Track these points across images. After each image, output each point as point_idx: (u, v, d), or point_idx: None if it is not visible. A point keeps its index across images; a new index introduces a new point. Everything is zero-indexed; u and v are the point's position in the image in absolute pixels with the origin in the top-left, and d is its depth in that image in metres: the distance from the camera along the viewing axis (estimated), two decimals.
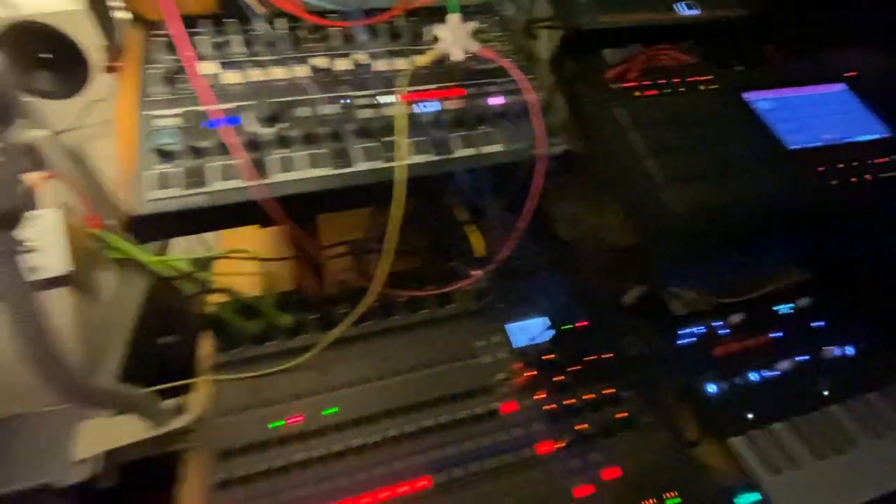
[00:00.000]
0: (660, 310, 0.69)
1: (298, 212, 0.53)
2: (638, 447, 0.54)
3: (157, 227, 0.51)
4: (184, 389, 0.58)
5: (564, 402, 0.56)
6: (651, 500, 0.50)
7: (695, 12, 0.76)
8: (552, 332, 0.62)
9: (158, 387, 0.56)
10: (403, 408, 0.54)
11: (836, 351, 0.64)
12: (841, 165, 0.57)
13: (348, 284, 0.62)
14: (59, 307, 0.60)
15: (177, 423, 0.55)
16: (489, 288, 0.63)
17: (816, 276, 0.71)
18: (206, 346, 0.60)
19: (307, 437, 0.52)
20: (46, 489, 0.52)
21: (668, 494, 0.50)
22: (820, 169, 0.57)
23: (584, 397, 0.57)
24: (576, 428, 0.54)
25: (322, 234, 0.75)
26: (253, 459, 0.50)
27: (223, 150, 0.52)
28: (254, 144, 0.53)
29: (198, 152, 0.52)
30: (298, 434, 0.52)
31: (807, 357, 0.64)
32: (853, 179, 0.57)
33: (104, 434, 0.54)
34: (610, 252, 0.67)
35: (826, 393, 0.62)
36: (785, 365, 0.63)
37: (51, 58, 0.76)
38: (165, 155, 0.51)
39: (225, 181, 0.51)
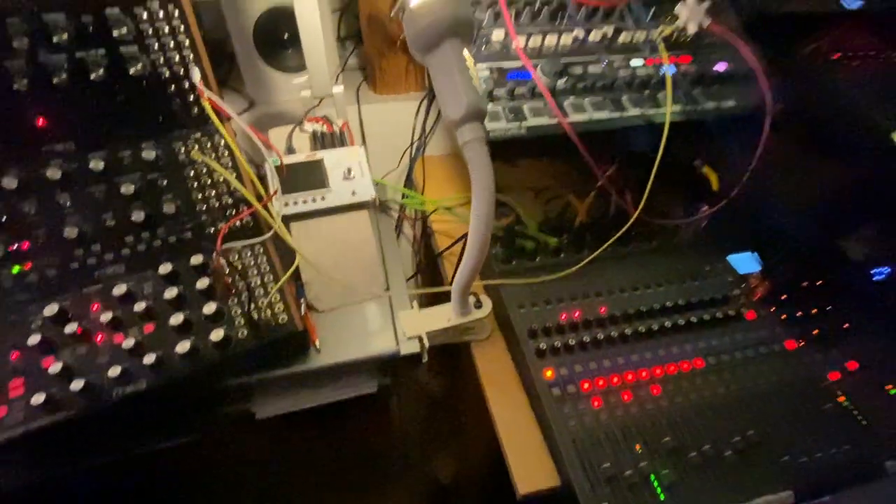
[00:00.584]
0: (843, 256, 0.79)
1: (588, 145, 0.66)
2: (866, 349, 0.64)
3: (492, 153, 0.64)
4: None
5: (797, 314, 0.67)
6: (889, 385, 0.60)
7: (859, 4, 0.88)
8: (771, 264, 0.73)
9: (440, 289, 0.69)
10: (662, 309, 0.66)
11: None
12: None
13: (596, 214, 0.75)
14: (364, 223, 0.74)
15: (478, 314, 0.68)
16: (712, 224, 0.75)
17: None
18: None
19: (591, 326, 0.64)
20: (390, 357, 0.65)
21: None
22: None
23: (811, 311, 0.68)
24: (814, 332, 0.65)
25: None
26: (555, 338, 0.62)
27: (530, 95, 0.66)
28: (551, 91, 0.66)
29: (513, 96, 0.65)
30: (583, 322, 0.64)
31: None
32: None
33: (421, 320, 0.68)
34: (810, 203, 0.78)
35: None
36: None
37: (290, 38, 0.93)
38: (491, 97, 0.65)
39: (536, 118, 0.65)
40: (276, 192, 0.63)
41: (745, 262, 0.74)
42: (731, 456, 0.52)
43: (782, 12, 0.84)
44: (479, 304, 0.69)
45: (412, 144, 1.09)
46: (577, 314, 0.65)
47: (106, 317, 0.53)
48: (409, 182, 1.08)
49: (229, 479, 0.74)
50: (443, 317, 0.67)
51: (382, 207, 0.93)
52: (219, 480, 0.73)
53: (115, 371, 0.50)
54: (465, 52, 0.48)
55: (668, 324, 0.64)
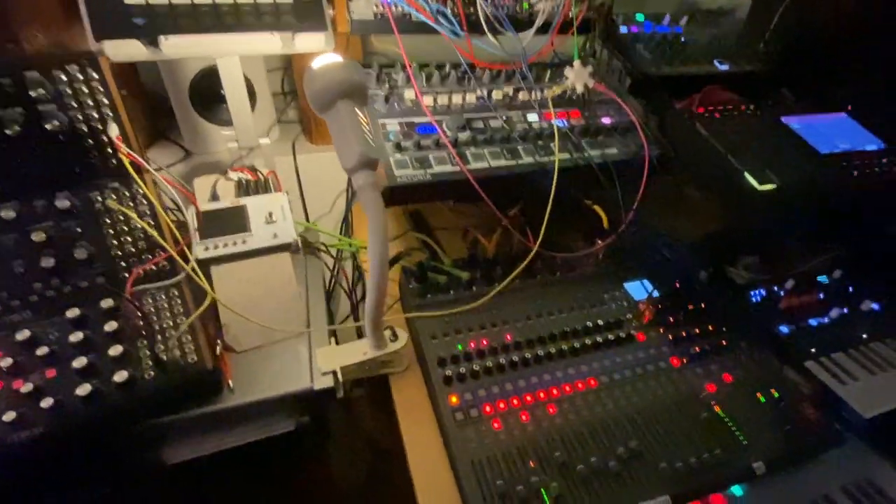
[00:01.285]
0: (728, 281, 0.89)
1: (488, 190, 0.73)
2: (741, 363, 0.72)
3: (399, 196, 0.70)
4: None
5: (682, 334, 0.74)
6: (759, 394, 0.67)
7: (726, 67, 1.04)
8: (661, 290, 0.81)
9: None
10: (563, 333, 0.72)
11: (872, 305, 0.84)
12: (857, 163, 0.81)
13: (505, 250, 0.81)
14: (285, 264, 0.78)
15: (394, 347, 0.71)
16: (610, 256, 0.83)
17: (845, 252, 0.92)
18: None
19: (497, 352, 0.69)
20: (305, 393, 0.67)
21: (772, 391, 0.68)
22: (844, 164, 0.80)
23: (694, 331, 0.75)
24: (696, 349, 0.72)
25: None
26: (462, 365, 0.66)
27: (435, 146, 0.74)
28: (454, 143, 0.74)
29: (419, 147, 0.73)
30: (489, 350, 0.69)
31: (846, 310, 0.84)
32: (867, 171, 0.80)
33: (338, 355, 0.70)
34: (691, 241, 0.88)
35: (865, 336, 0.81)
36: (834, 314, 0.82)
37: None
38: (399, 148, 0.72)
39: (440, 166, 0.72)
40: (190, 238, 0.66)
41: (640, 290, 0.82)
42: (615, 466, 0.56)
43: (661, 74, 0.98)
44: (394, 338, 0.72)
45: (348, 190, 1.16)
46: (484, 342, 0.70)
47: (6, 363, 0.53)
48: (345, 225, 1.13)
49: None
50: (359, 351, 0.71)
51: (312, 249, 0.97)
52: None
53: (9, 416, 0.50)
54: (358, 111, 0.55)
55: (564, 347, 0.70)
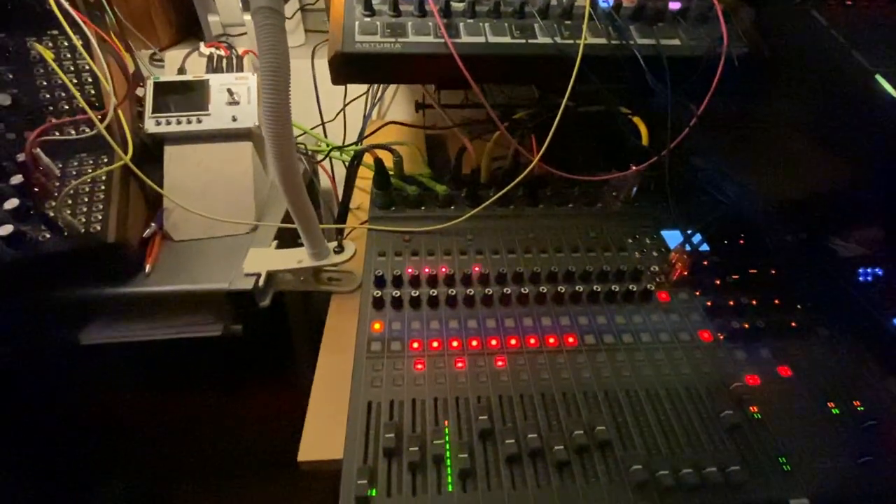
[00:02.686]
0: (824, 251, 0.63)
1: (480, 75, 0.56)
2: (813, 356, 0.48)
3: (358, 68, 0.56)
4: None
5: (727, 303, 0.52)
6: (832, 403, 0.44)
7: None
8: (713, 244, 0.58)
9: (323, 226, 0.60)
10: (551, 274, 0.54)
11: None
12: None
13: (504, 161, 0.63)
14: (244, 154, 0.68)
15: (335, 259, 0.59)
16: (651, 192, 0.62)
17: None
18: None
19: (453, 283, 0.53)
20: (220, 293, 0.58)
21: (855, 402, 0.44)
22: None
23: (749, 302, 0.52)
24: (743, 325, 0.50)
25: None
26: (403, 289, 0.52)
27: (420, 12, 0.57)
28: (446, 12, 0.57)
29: (397, 11, 0.57)
30: (446, 278, 0.53)
31: None
32: None
33: (270, 258, 0.60)
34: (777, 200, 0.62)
35: None
36: None
37: None
38: (371, 10, 0.57)
39: (419, 36, 0.56)
40: (120, 104, 0.58)
41: (683, 238, 0.60)
42: (560, 451, 0.39)
43: None
44: (339, 249, 0.60)
45: (367, 102, 1.04)
46: (443, 269, 0.54)
47: None
48: (360, 139, 1.01)
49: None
50: (294, 258, 0.59)
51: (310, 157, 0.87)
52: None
53: None
54: None
55: (545, 290, 0.51)
